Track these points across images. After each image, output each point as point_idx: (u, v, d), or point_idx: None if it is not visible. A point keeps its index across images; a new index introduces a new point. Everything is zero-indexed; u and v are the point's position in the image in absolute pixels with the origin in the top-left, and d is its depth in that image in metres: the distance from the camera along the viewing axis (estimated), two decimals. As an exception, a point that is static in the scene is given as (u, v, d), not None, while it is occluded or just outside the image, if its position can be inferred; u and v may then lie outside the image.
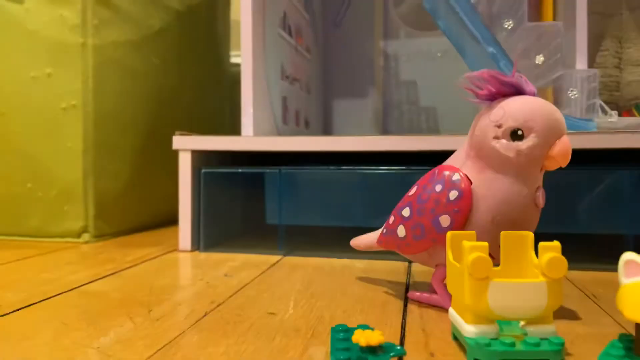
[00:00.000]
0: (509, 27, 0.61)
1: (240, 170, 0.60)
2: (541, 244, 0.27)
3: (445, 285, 0.35)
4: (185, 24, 0.79)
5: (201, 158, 0.62)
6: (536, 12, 0.83)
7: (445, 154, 0.38)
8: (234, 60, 1.00)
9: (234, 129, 0.63)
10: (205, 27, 0.87)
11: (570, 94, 0.58)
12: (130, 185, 0.71)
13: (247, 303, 0.38)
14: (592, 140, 0.49)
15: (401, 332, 0.31)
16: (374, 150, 0.56)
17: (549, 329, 0.27)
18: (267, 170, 0.58)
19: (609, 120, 0.51)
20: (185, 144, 0.59)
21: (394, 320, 0.34)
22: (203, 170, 0.60)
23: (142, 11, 0.72)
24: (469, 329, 0.27)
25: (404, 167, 0.55)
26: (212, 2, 0.88)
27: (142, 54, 0.72)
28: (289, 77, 0.79)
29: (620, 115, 0.61)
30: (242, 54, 0.63)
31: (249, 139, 0.59)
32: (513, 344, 0.25)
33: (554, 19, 0.78)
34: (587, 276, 0.46)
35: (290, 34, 0.79)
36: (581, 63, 0.64)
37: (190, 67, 0.80)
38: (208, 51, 0.88)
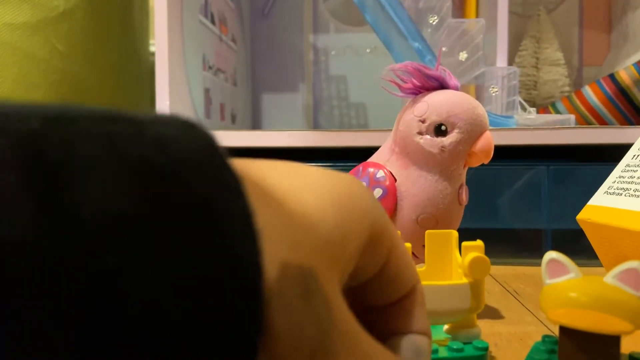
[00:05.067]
0: (434, 23, 0.61)
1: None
2: (464, 243, 0.26)
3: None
4: (96, 7, 0.72)
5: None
6: (460, 10, 0.85)
7: (375, 150, 0.36)
8: (153, 49, 0.93)
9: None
10: (120, 12, 0.80)
11: (491, 91, 0.59)
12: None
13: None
14: (513, 137, 0.50)
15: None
16: (301, 145, 0.54)
17: (472, 332, 0.26)
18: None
19: (528, 117, 0.52)
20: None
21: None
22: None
23: (43, -10, 0.65)
24: (391, 337, 0.25)
25: (331, 163, 0.54)
26: (128, -15, 0.81)
27: (42, 37, 0.64)
28: (212, 67, 0.75)
29: (537, 112, 0.63)
30: (157, 40, 0.58)
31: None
32: (436, 351, 0.24)
33: (476, 17, 0.80)
34: (508, 271, 0.47)
35: (213, 22, 0.75)
36: (502, 61, 0.66)
37: (100, 54, 0.74)
38: (123, 38, 0.81)
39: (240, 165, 0.11)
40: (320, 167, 0.14)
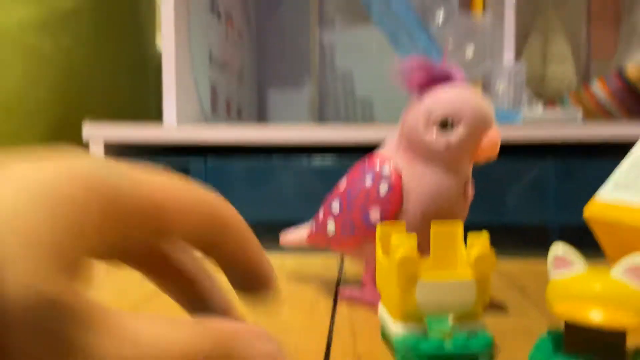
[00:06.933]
0: (441, 18, 0.61)
1: (152, 161, 0.55)
2: (470, 237, 0.26)
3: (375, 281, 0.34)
4: (103, 4, 0.72)
5: (117, 152, 0.56)
6: (467, 6, 0.85)
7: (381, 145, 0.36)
8: (160, 44, 0.93)
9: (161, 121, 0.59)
10: (127, 9, 0.80)
11: (497, 86, 0.58)
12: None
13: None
14: (519, 132, 0.50)
15: (328, 334, 0.29)
16: (307, 140, 0.54)
17: (478, 324, 0.26)
18: (192, 161, 0.54)
19: (535, 112, 0.52)
20: (97, 133, 0.54)
21: (322, 320, 0.32)
22: (119, 162, 0.54)
23: (51, -13, 0.65)
24: (396, 329, 0.25)
25: (336, 158, 0.54)
26: (135, -19, 0.81)
27: (51, 35, 0.65)
28: (218, 62, 0.75)
29: (544, 108, 0.63)
30: (163, 36, 0.58)
31: (171, 128, 0.55)
32: (441, 342, 0.24)
33: (483, 12, 0.80)
34: (514, 266, 0.47)
35: (219, 17, 0.75)
36: (509, 56, 0.65)
37: (108, 51, 0.74)
38: (130, 34, 0.81)
39: None
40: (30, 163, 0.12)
